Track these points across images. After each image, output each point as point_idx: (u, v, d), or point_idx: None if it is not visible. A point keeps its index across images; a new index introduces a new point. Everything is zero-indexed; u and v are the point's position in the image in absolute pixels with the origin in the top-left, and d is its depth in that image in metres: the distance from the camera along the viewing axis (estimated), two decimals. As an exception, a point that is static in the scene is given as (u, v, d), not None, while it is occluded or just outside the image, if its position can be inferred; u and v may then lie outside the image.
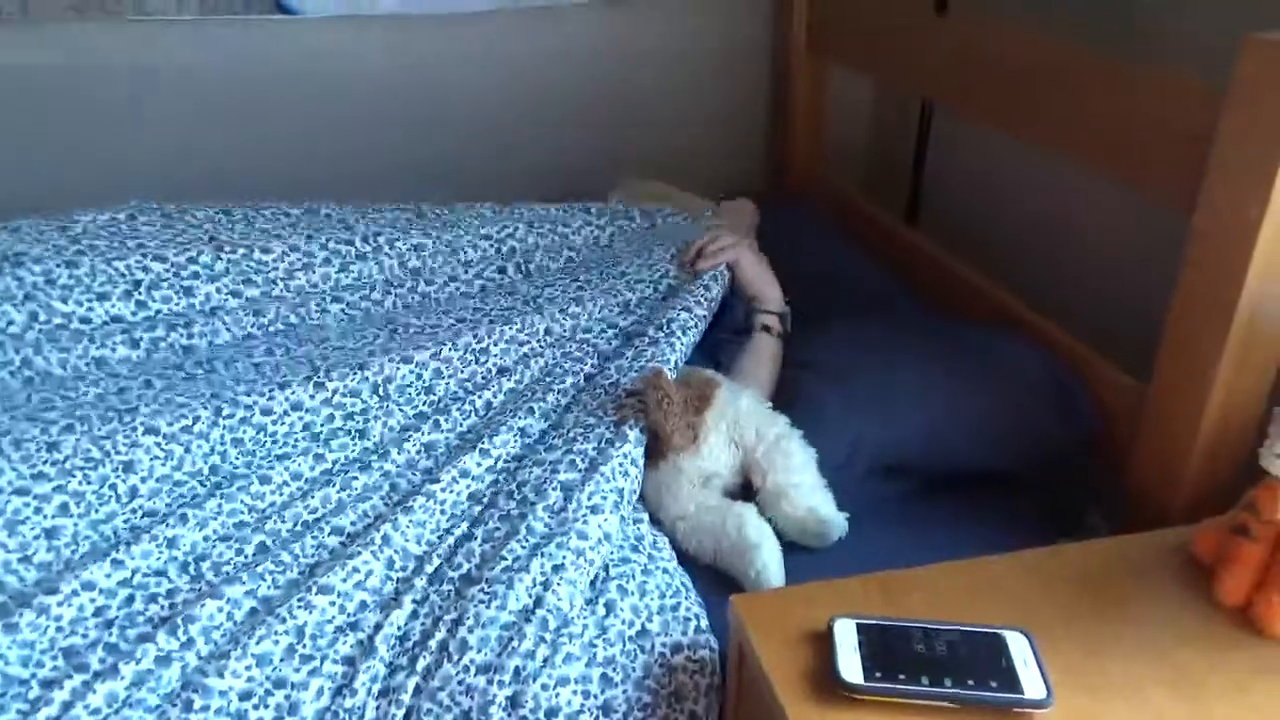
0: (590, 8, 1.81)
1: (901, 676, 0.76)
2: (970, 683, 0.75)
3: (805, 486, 1.04)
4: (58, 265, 1.15)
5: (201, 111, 1.69)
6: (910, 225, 1.71)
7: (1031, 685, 0.75)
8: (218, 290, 1.21)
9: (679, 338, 1.21)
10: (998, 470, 1.15)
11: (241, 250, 1.23)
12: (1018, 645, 0.79)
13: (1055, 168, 1.49)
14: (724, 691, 0.92)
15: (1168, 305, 1.01)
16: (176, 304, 1.19)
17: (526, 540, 0.95)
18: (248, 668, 0.84)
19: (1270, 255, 0.90)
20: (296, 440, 1.08)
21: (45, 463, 0.96)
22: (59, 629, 0.86)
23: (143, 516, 0.97)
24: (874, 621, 0.81)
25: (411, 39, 1.75)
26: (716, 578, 1.03)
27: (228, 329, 1.19)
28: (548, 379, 1.19)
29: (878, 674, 0.76)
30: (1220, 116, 0.90)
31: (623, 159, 1.91)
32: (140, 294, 1.18)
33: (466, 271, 1.35)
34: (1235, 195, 0.90)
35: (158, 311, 1.18)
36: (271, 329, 1.21)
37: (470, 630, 0.86)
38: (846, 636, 0.79)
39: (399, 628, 0.90)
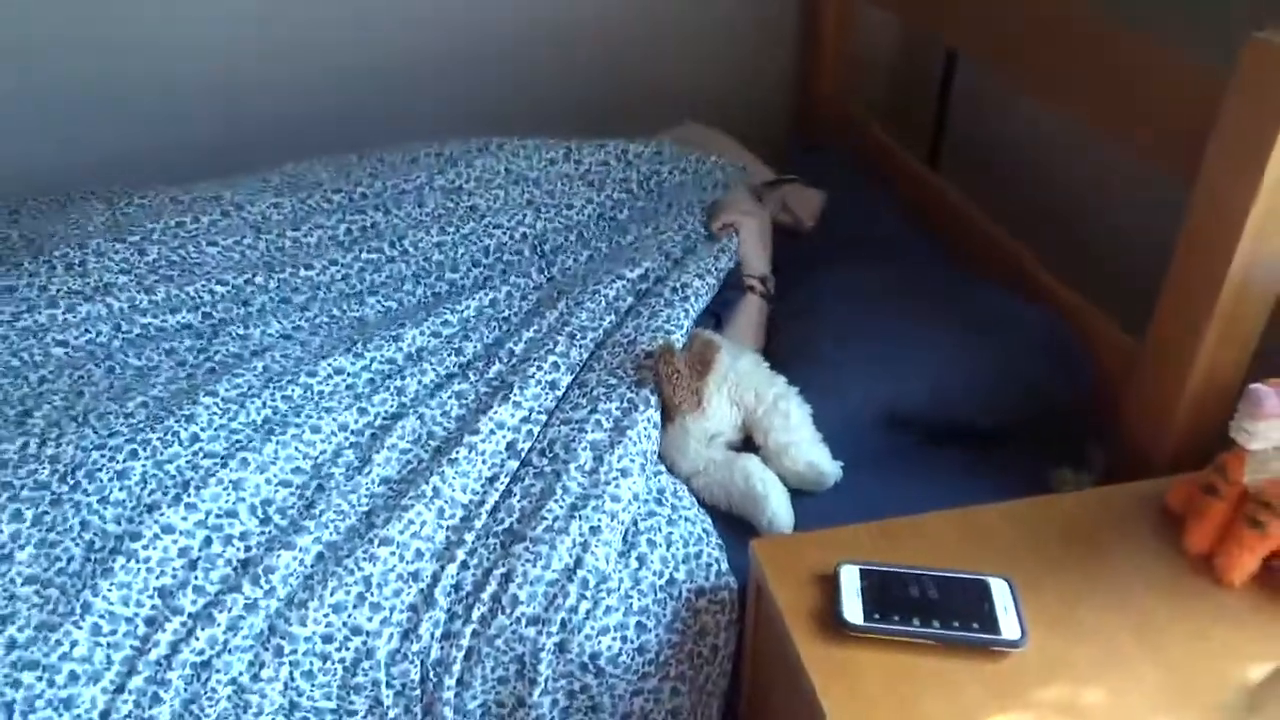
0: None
1: (896, 618, 0.87)
2: (955, 624, 0.86)
3: (803, 443, 1.14)
4: (139, 292, 1.32)
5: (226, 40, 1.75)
6: (931, 168, 1.75)
7: (1009, 628, 0.86)
8: (270, 299, 1.37)
9: (691, 303, 1.30)
10: (1001, 425, 1.24)
11: (289, 270, 1.39)
12: (1000, 591, 0.90)
13: (1072, 126, 1.52)
14: (742, 622, 1.04)
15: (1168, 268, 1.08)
16: (236, 312, 1.34)
17: (563, 500, 1.06)
18: (325, 615, 0.97)
19: (1258, 236, 0.96)
20: (341, 398, 1.20)
21: (120, 424, 1.10)
22: (149, 570, 0.99)
23: (204, 458, 1.09)
24: (875, 567, 0.92)
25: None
26: (734, 516, 1.15)
27: (278, 321, 1.33)
28: (565, 328, 1.28)
29: (876, 615, 0.87)
30: (1221, 103, 0.95)
31: (652, 86, 1.95)
32: (206, 308, 1.34)
33: (488, 256, 1.46)
34: (1230, 178, 0.96)
35: (220, 320, 1.33)
36: (316, 321, 1.35)
37: (520, 587, 0.99)
38: (850, 580, 0.91)
39: (453, 578, 1.02)
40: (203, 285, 1.34)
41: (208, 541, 1.02)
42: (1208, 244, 1.00)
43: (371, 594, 0.99)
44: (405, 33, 1.81)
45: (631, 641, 0.99)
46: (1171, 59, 1.04)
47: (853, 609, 0.88)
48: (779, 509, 1.10)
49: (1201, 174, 0.99)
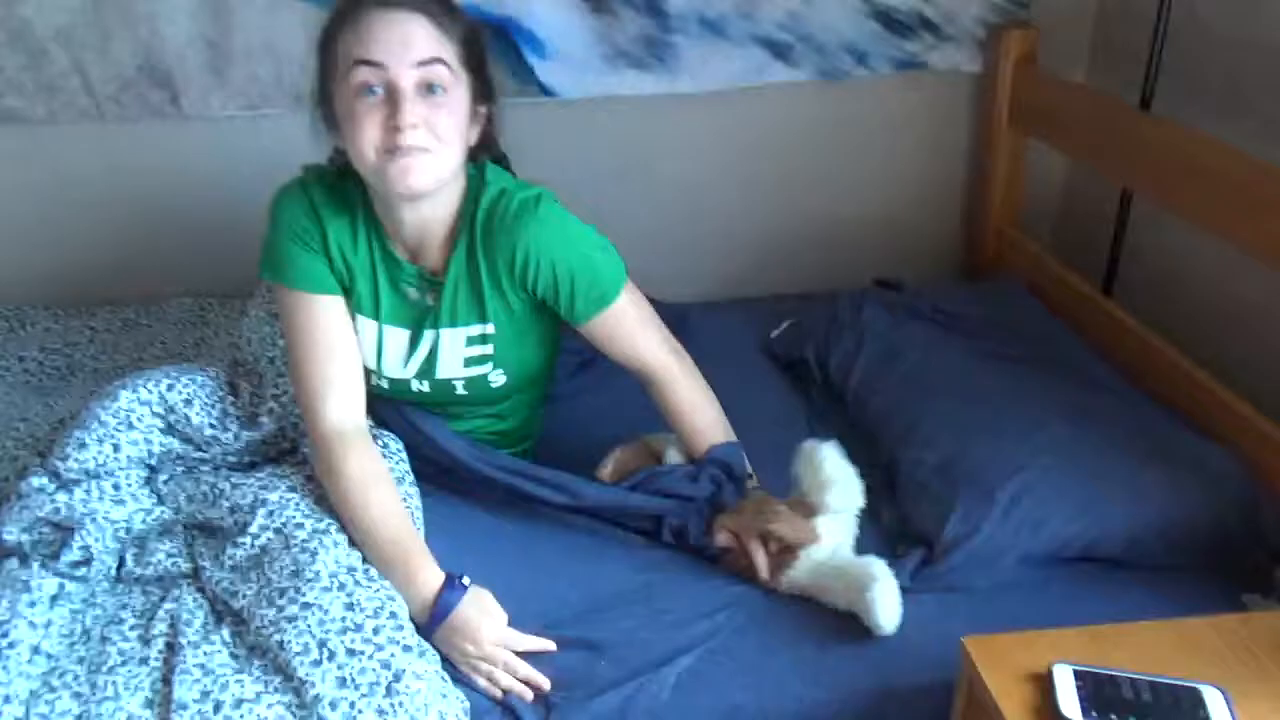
0: (806, 86, 2.00)
1: (1113, 717, 0.92)
2: (1173, 728, 0.91)
3: None
4: None
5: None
6: (1106, 295, 1.82)
7: (1226, 735, 0.90)
8: None
9: None
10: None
11: None
12: (1214, 701, 0.94)
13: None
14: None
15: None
16: None
17: None
18: None
19: None
20: None
21: None
22: None
23: None
24: (1088, 669, 0.98)
25: (632, 117, 1.97)
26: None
27: None
28: None
29: (1093, 713, 0.93)
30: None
31: (825, 222, 2.11)
32: None
33: None
34: None
35: None
36: None
37: None
38: (1064, 679, 0.96)
39: None
40: None
41: None
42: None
43: None
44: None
45: None
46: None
47: (1070, 706, 0.93)
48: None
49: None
